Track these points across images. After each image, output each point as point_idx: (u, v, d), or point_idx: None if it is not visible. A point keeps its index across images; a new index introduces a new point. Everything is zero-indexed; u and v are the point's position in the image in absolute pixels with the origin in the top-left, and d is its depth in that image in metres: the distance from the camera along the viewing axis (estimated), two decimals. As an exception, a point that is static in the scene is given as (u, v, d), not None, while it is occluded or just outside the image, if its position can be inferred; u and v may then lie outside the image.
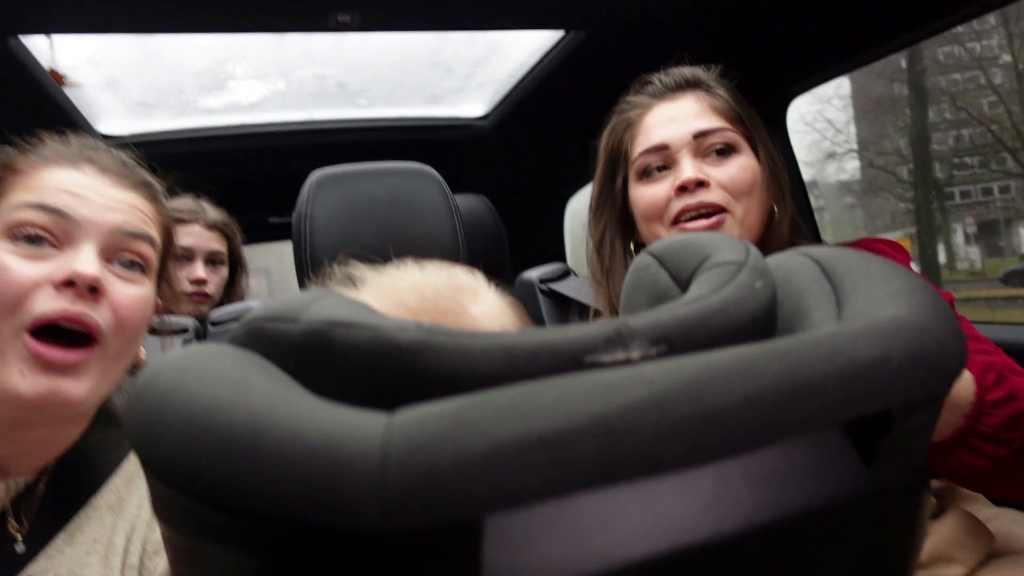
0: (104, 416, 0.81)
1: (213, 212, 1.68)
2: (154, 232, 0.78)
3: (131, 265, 0.74)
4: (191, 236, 1.63)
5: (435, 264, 0.59)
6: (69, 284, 0.68)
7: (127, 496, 0.78)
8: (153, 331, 1.24)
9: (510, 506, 0.24)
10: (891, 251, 1.00)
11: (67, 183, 0.72)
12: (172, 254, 0.85)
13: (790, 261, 0.41)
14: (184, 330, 1.26)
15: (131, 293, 0.73)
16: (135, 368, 0.88)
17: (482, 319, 0.54)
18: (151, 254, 0.76)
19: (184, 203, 1.63)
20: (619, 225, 1.07)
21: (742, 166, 0.95)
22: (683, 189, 0.94)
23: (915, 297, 0.33)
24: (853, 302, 0.35)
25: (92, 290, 0.69)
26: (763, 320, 0.36)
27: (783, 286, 0.39)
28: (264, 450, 0.25)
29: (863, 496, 0.31)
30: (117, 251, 0.73)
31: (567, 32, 1.48)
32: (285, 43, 1.50)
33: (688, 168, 0.95)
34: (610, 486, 0.25)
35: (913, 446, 0.33)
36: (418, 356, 0.29)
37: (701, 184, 0.94)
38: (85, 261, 0.69)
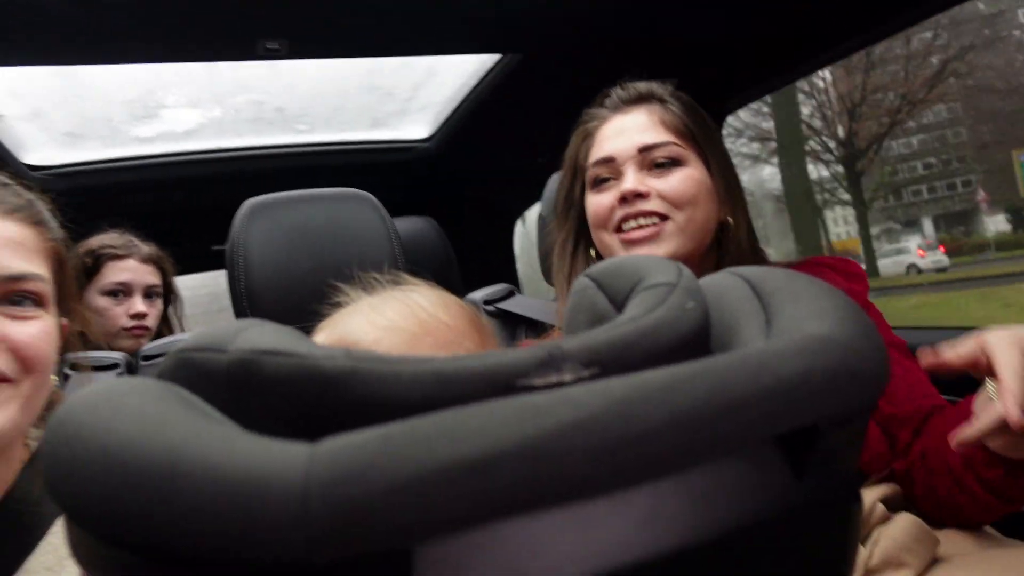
0: (35, 467, 0.77)
1: (145, 246, 1.66)
2: (39, 264, 0.73)
3: (21, 302, 0.70)
4: (127, 271, 1.60)
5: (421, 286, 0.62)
6: None
7: (66, 554, 0.73)
8: (76, 367, 1.19)
9: (439, 534, 0.23)
10: (843, 266, 1.03)
11: None
12: (67, 275, 0.80)
13: (722, 281, 0.42)
14: (114, 365, 1.21)
15: (27, 331, 0.69)
16: (51, 406, 0.84)
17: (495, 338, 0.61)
18: (41, 287, 0.72)
19: (115, 238, 1.61)
20: (580, 233, 1.10)
21: (683, 177, 0.99)
22: (624, 199, 0.98)
23: (839, 314, 0.34)
24: (780, 320, 0.35)
25: None
26: (695, 340, 0.36)
27: (715, 305, 0.40)
28: (180, 484, 0.24)
29: (796, 509, 0.31)
30: (7, 295, 0.69)
31: (504, 55, 1.50)
32: (218, 70, 1.48)
33: (629, 180, 0.99)
34: (541, 510, 0.25)
35: (843, 459, 0.34)
36: (346, 384, 0.29)
37: (640, 195, 0.98)
38: None
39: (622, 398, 0.26)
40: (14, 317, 0.69)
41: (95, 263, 1.58)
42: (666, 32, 1.40)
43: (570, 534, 0.26)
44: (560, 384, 0.30)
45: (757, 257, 1.05)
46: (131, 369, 1.26)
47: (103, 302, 1.57)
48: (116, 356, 1.23)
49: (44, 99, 1.48)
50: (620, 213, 0.99)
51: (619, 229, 1.00)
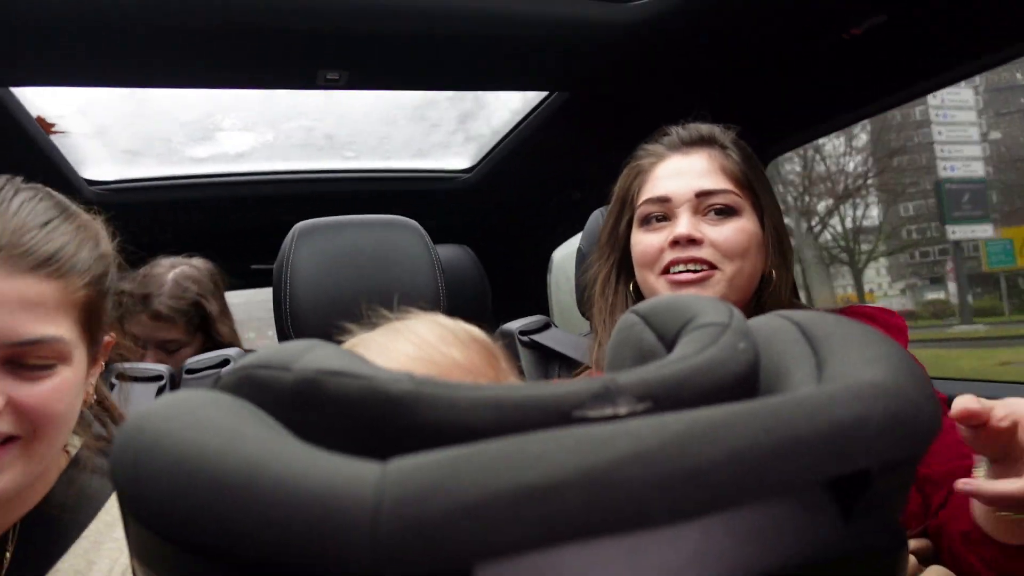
0: (72, 475, 0.78)
1: (165, 299, 1.54)
2: (60, 321, 0.68)
3: (40, 366, 0.66)
4: (139, 326, 1.52)
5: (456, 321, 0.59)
6: None
7: (96, 559, 0.75)
8: (122, 376, 1.22)
9: (500, 556, 0.24)
10: (883, 316, 1.02)
11: None
12: (102, 310, 0.75)
13: (771, 323, 0.43)
14: (158, 377, 1.24)
15: (41, 391, 0.66)
16: (105, 410, 0.86)
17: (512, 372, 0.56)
18: (58, 349, 0.67)
19: (137, 284, 1.51)
20: (622, 267, 1.09)
21: (738, 228, 0.97)
22: (676, 243, 0.96)
23: (892, 362, 0.34)
24: (832, 364, 0.36)
25: None
26: (746, 380, 0.36)
27: (765, 348, 0.41)
28: (257, 497, 0.25)
29: (842, 554, 0.32)
30: (18, 358, 0.65)
31: (551, 93, 1.53)
32: (274, 96, 1.53)
33: (684, 224, 0.97)
34: (597, 538, 0.25)
35: (891, 506, 0.34)
36: (409, 407, 0.30)
37: (693, 241, 0.96)
38: None
39: (679, 433, 0.27)
40: (31, 379, 0.66)
41: None
42: (708, 78, 1.42)
43: (623, 563, 0.27)
44: (615, 417, 0.31)
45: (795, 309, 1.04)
46: (174, 382, 1.29)
47: None
48: (160, 368, 1.26)
49: (108, 117, 1.55)
50: (669, 256, 0.97)
51: (666, 271, 0.98)
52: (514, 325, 1.46)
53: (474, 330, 0.56)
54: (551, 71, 1.38)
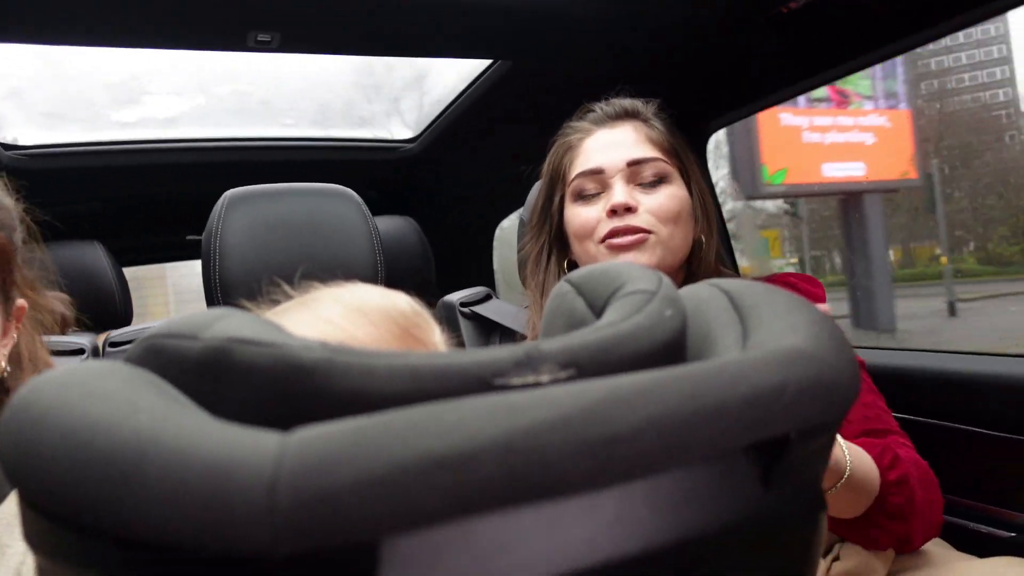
0: None
1: None
2: None
3: None
4: None
5: (375, 287, 0.55)
6: None
7: (10, 542, 0.72)
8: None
9: (409, 528, 0.23)
10: (804, 285, 1.05)
11: None
12: (11, 262, 0.77)
13: (701, 292, 0.43)
14: (79, 351, 1.19)
15: None
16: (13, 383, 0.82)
17: (441, 347, 0.53)
18: None
19: None
20: (555, 243, 1.11)
21: (670, 195, 1.01)
22: (613, 212, 0.99)
23: (814, 329, 0.35)
24: (757, 332, 0.36)
25: None
26: (671, 347, 0.36)
27: (693, 315, 0.40)
28: (147, 471, 0.23)
29: (762, 518, 0.32)
30: None
31: (494, 61, 1.50)
32: (205, 58, 1.47)
33: (619, 193, 1.00)
34: (513, 508, 0.25)
35: (810, 471, 0.34)
36: (322, 375, 0.29)
37: (629, 209, 0.99)
38: None
39: (599, 400, 0.26)
40: None
41: None
42: (653, 49, 1.41)
43: (540, 533, 0.26)
44: (537, 384, 0.30)
45: (722, 275, 1.07)
46: (96, 355, 1.23)
47: None
48: (82, 341, 1.21)
49: (23, 78, 1.46)
50: (607, 226, 1.00)
51: (604, 240, 1.01)
52: (455, 297, 1.45)
53: (391, 305, 0.52)
54: (493, 39, 1.36)
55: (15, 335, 0.79)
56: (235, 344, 0.30)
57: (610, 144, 1.04)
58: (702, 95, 1.59)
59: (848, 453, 0.79)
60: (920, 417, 1.15)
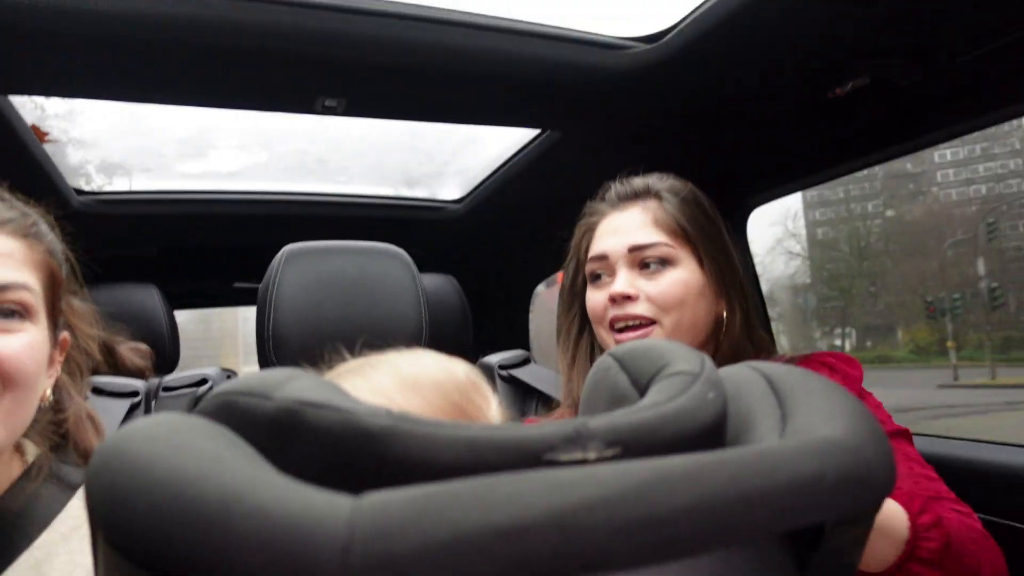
0: (33, 472, 0.78)
1: None
2: (27, 275, 0.73)
3: (8, 314, 0.71)
4: None
5: (435, 355, 0.56)
6: None
7: (48, 571, 0.74)
8: (97, 391, 1.21)
9: None
10: (842, 365, 1.04)
11: None
12: (60, 289, 0.80)
13: (741, 374, 0.44)
14: (134, 393, 1.23)
15: (11, 344, 0.70)
16: (78, 420, 0.85)
17: (496, 420, 0.54)
18: (27, 298, 0.72)
19: None
20: (583, 320, 1.12)
21: (673, 281, 1.01)
22: (613, 300, 1.01)
23: (851, 419, 0.36)
24: (796, 418, 0.37)
25: None
26: (713, 429, 0.38)
27: (734, 398, 0.42)
28: (232, 525, 0.25)
29: None
30: None
31: (543, 131, 1.56)
32: (269, 118, 1.55)
33: (619, 282, 1.02)
34: None
35: (845, 559, 0.35)
36: (386, 442, 0.31)
37: (628, 297, 1.00)
38: None
39: (643, 481, 0.28)
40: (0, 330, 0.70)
41: None
42: (694, 129, 1.45)
43: None
44: (584, 461, 0.32)
45: (754, 344, 1.06)
46: (148, 399, 1.28)
47: None
48: (136, 384, 1.25)
49: (103, 130, 1.55)
50: (611, 313, 1.02)
51: (611, 327, 1.02)
52: (494, 359, 1.47)
53: (447, 379, 0.53)
54: (544, 111, 1.41)
55: (59, 367, 0.83)
56: (306, 407, 0.33)
57: (616, 229, 1.06)
58: (744, 171, 1.62)
59: None
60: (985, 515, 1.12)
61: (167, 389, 1.29)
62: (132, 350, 1.49)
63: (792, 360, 1.06)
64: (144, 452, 0.30)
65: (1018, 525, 1.12)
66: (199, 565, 0.25)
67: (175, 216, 1.88)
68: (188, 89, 1.21)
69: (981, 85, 1.17)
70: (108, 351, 1.30)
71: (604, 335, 1.05)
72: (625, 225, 1.05)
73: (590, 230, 1.10)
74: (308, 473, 0.30)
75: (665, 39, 1.19)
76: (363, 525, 0.25)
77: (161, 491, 0.27)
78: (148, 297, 1.71)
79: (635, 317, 1.00)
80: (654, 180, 1.09)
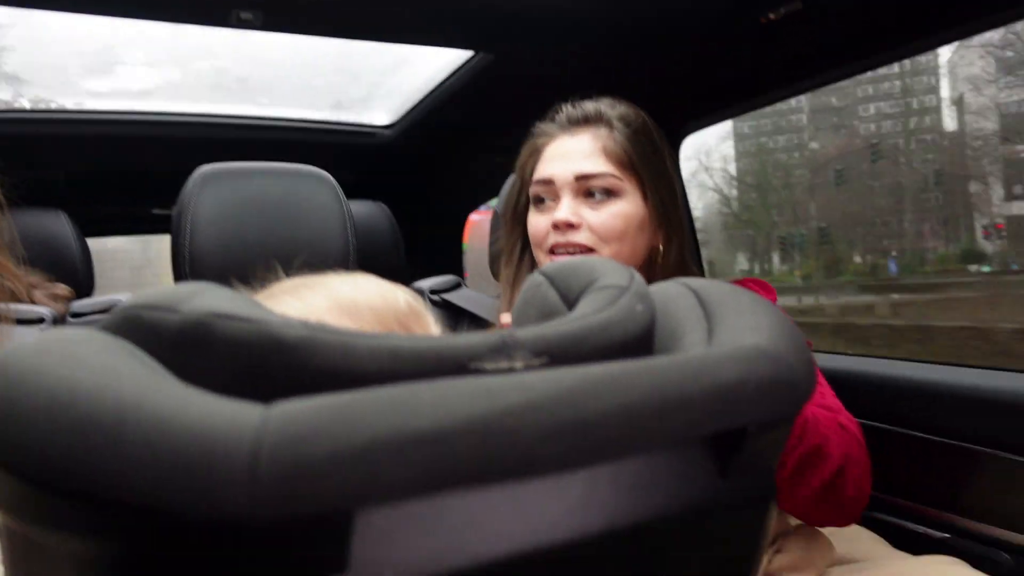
0: None
1: None
2: None
3: None
4: None
5: (376, 280, 0.54)
6: None
7: None
8: (0, 317, 1.14)
9: (382, 501, 0.24)
10: (758, 288, 1.08)
11: None
12: None
13: (670, 289, 0.44)
14: (40, 320, 1.16)
15: None
16: None
17: None
18: None
19: None
20: (524, 241, 1.12)
21: (615, 213, 1.01)
22: (556, 227, 1.01)
23: (774, 330, 0.36)
24: (721, 330, 0.37)
25: None
26: (641, 340, 0.38)
27: (662, 311, 0.42)
28: (129, 436, 0.24)
29: (718, 505, 0.33)
30: None
31: (475, 52, 1.51)
32: (182, 32, 1.44)
33: (563, 209, 1.01)
34: (483, 486, 0.26)
35: (764, 462, 0.36)
36: (302, 352, 0.29)
37: (571, 226, 1.00)
38: None
39: (570, 386, 0.28)
40: None
41: None
42: (632, 49, 1.43)
43: (507, 511, 0.27)
44: (511, 370, 0.31)
45: (686, 276, 1.08)
46: (56, 325, 1.21)
47: None
48: (42, 311, 1.18)
49: (-7, 39, 1.42)
50: (552, 239, 1.02)
51: (551, 251, 1.03)
52: (425, 284, 1.46)
53: (385, 306, 0.51)
54: (475, 31, 1.36)
55: None
56: (216, 319, 0.31)
57: (565, 154, 1.04)
58: (678, 97, 1.61)
59: None
60: (862, 419, 1.20)
61: (76, 315, 1.23)
62: (49, 295, 1.39)
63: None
64: (35, 365, 0.28)
65: (896, 429, 1.22)
66: (94, 480, 0.24)
67: (82, 137, 1.76)
68: None
69: (907, 13, 1.18)
70: (16, 299, 1.21)
71: (542, 258, 1.05)
72: (573, 151, 1.03)
73: (536, 151, 1.08)
74: (220, 388, 0.28)
75: (600, -43, 1.16)
76: (273, 432, 0.23)
77: (52, 404, 0.25)
78: (56, 223, 1.61)
79: (575, 245, 1.00)
80: (606, 107, 1.07)
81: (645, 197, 1.03)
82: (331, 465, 0.23)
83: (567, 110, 1.09)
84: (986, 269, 17.98)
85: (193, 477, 0.23)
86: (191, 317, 0.31)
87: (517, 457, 0.26)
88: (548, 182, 1.03)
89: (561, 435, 0.26)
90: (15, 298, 0.85)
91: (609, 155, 1.02)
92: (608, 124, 1.05)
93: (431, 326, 0.53)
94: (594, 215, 1.00)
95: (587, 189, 1.02)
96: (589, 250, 1.00)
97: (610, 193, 1.02)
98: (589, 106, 1.07)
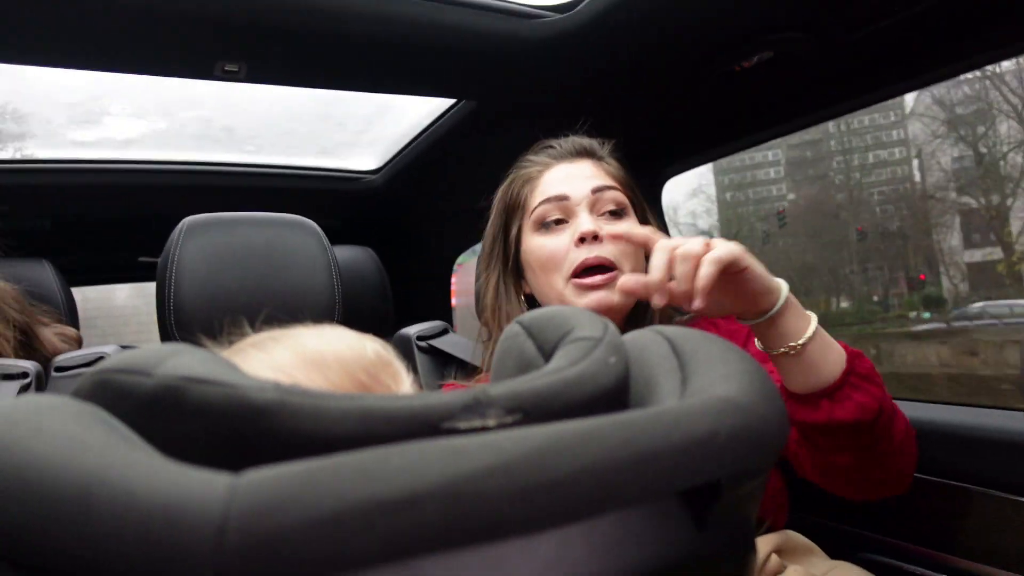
0: None
1: None
2: None
3: None
4: None
5: (344, 331, 0.52)
6: None
7: None
8: None
9: (351, 569, 0.24)
10: (725, 323, 1.10)
11: None
12: None
13: (644, 337, 0.44)
14: (23, 375, 1.15)
15: None
16: None
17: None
18: None
19: None
20: (512, 275, 1.11)
21: (632, 225, 1.03)
22: (582, 240, 1.00)
23: (746, 379, 0.37)
24: (694, 380, 0.38)
25: None
26: (615, 393, 0.38)
27: (637, 360, 0.42)
28: (93, 510, 0.24)
29: (695, 559, 0.33)
30: None
31: (459, 100, 1.53)
32: (169, 83, 1.46)
33: (586, 221, 1.01)
34: (455, 550, 0.26)
35: (741, 514, 0.36)
36: (273, 416, 0.29)
37: (597, 238, 1.00)
38: None
39: (539, 446, 0.28)
40: None
41: None
42: (612, 96, 1.46)
43: (478, 573, 0.27)
44: (484, 429, 0.32)
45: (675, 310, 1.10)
46: (40, 381, 1.20)
47: None
48: (26, 365, 1.17)
49: (-21, 93, 1.43)
50: (577, 257, 1.00)
51: (575, 275, 1.00)
52: (412, 330, 1.46)
53: (353, 357, 0.49)
54: (456, 80, 1.39)
55: None
56: (188, 383, 0.31)
57: (572, 175, 1.06)
58: (657, 142, 1.64)
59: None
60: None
61: (60, 369, 1.22)
62: (58, 334, 1.37)
63: (688, 322, 1.10)
64: (2, 438, 0.27)
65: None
66: (60, 556, 0.23)
67: (69, 187, 1.76)
68: (75, 50, 1.13)
69: (874, 61, 1.22)
70: (25, 333, 1.20)
71: (560, 286, 1.01)
72: (578, 174, 1.06)
73: (532, 179, 1.09)
74: (192, 454, 0.28)
75: (576, 9, 1.18)
76: (241, 502, 0.23)
77: (17, 478, 0.25)
78: (40, 273, 1.60)
79: (603, 261, 0.99)
80: (596, 144, 1.12)
81: (643, 221, 1.07)
82: (299, 535, 0.23)
83: (562, 144, 1.12)
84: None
85: (159, 550, 0.23)
86: (163, 382, 0.31)
87: (486, 520, 0.26)
88: (562, 198, 1.04)
89: (530, 496, 0.26)
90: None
91: (613, 177, 1.07)
92: (601, 157, 1.10)
93: (401, 374, 0.52)
94: (613, 228, 1.01)
95: (601, 205, 1.04)
96: (613, 267, 0.99)
97: (620, 212, 1.04)
98: (584, 140, 1.12)
